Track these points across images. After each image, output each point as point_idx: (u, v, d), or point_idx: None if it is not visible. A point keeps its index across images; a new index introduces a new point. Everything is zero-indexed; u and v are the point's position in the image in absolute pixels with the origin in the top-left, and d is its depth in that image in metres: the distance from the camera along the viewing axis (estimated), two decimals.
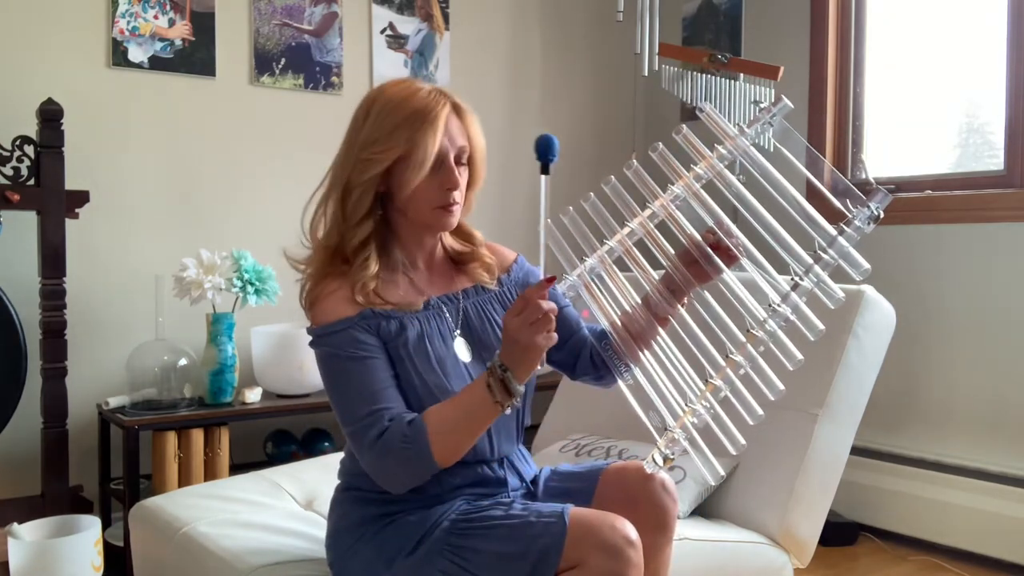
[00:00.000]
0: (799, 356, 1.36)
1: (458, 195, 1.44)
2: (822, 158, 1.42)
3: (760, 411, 1.34)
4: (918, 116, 3.11)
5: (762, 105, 1.54)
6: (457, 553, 1.32)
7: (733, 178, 1.52)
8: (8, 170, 2.40)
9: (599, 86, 3.81)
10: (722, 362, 1.40)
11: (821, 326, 1.38)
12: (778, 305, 1.41)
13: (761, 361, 1.38)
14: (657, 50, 3.11)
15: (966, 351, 2.82)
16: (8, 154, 2.41)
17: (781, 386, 1.35)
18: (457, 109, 1.44)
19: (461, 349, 1.47)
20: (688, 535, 1.81)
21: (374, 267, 1.42)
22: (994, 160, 2.88)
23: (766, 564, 1.89)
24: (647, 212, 1.51)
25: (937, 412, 2.89)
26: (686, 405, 1.38)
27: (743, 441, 1.33)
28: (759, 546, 1.90)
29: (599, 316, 1.49)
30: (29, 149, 2.43)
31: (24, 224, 2.56)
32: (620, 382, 1.51)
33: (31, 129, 2.46)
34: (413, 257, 1.49)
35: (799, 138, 1.55)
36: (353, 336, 1.38)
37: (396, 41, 3.28)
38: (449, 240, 1.56)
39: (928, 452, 2.87)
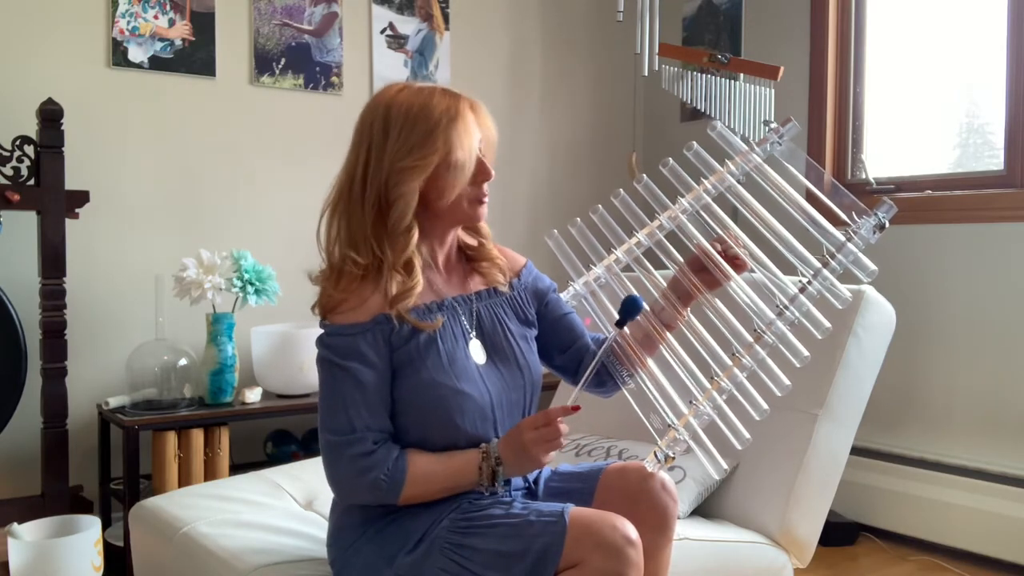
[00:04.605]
0: (806, 353, 1.38)
1: (487, 186, 1.46)
2: (826, 172, 1.46)
3: (766, 406, 1.36)
4: (918, 116, 3.11)
5: (772, 125, 1.59)
6: (457, 551, 1.32)
7: (745, 192, 1.54)
8: (8, 170, 2.40)
9: (599, 86, 3.81)
10: (728, 361, 1.41)
11: (828, 324, 1.40)
12: (786, 307, 1.43)
13: (770, 361, 1.40)
14: (657, 50, 3.11)
15: (966, 351, 2.82)
16: (8, 154, 2.41)
17: (788, 382, 1.37)
18: (474, 108, 1.46)
19: (476, 351, 1.48)
20: (688, 535, 1.81)
21: (420, 279, 1.41)
22: (994, 160, 2.88)
23: (766, 564, 1.89)
24: (656, 223, 1.54)
25: (937, 412, 2.89)
26: (690, 403, 1.39)
27: (748, 436, 1.34)
28: (759, 546, 1.90)
29: (602, 324, 1.50)
30: (29, 149, 2.43)
31: (24, 224, 2.56)
32: (622, 388, 1.52)
33: (31, 129, 2.46)
34: (435, 255, 1.50)
35: (804, 156, 1.59)
36: (356, 346, 1.38)
37: (396, 41, 3.28)
38: (462, 235, 1.56)
39: (928, 452, 2.87)
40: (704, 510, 2.01)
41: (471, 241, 1.56)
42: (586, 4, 3.76)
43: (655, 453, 1.39)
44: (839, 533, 2.88)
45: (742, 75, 2.95)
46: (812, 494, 1.95)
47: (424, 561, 1.33)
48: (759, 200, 1.55)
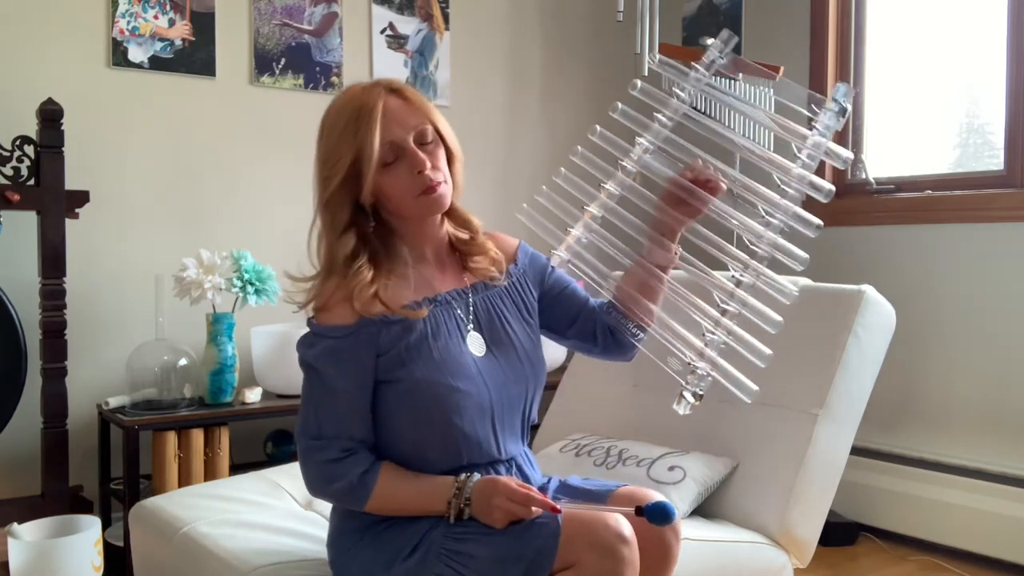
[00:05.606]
0: (804, 255, 1.40)
1: (436, 174, 1.41)
2: (812, 92, 1.46)
3: (779, 318, 1.36)
4: (918, 116, 3.11)
5: (710, 41, 1.60)
6: (454, 558, 1.32)
7: (703, 117, 1.54)
8: (8, 170, 2.40)
9: (599, 86, 3.81)
10: (731, 286, 1.41)
11: (818, 221, 1.41)
12: (771, 215, 1.45)
13: (769, 272, 1.43)
14: (657, 50, 3.11)
15: (966, 351, 2.82)
16: (8, 154, 2.41)
17: (794, 289, 1.38)
18: (398, 93, 1.42)
19: (475, 344, 1.47)
20: (688, 535, 1.81)
21: (368, 274, 1.40)
22: (994, 160, 2.88)
23: (766, 564, 1.89)
24: (620, 170, 1.53)
25: (937, 412, 2.89)
26: (703, 336, 1.39)
27: (768, 351, 1.35)
28: (759, 546, 1.89)
29: (595, 284, 1.49)
30: (29, 149, 2.43)
31: (24, 224, 2.56)
32: (635, 343, 1.52)
33: (31, 129, 2.46)
34: (421, 251, 1.49)
35: (797, 87, 1.57)
36: (336, 351, 1.38)
37: (396, 41, 3.28)
38: (450, 229, 1.53)
39: (928, 452, 2.87)
40: (704, 510, 2.01)
41: (462, 235, 1.54)
42: (586, 4, 3.76)
43: (683, 394, 1.37)
44: (839, 533, 2.88)
45: (742, 75, 2.94)
46: (812, 494, 1.95)
47: (420, 567, 1.33)
48: (721, 121, 1.56)
